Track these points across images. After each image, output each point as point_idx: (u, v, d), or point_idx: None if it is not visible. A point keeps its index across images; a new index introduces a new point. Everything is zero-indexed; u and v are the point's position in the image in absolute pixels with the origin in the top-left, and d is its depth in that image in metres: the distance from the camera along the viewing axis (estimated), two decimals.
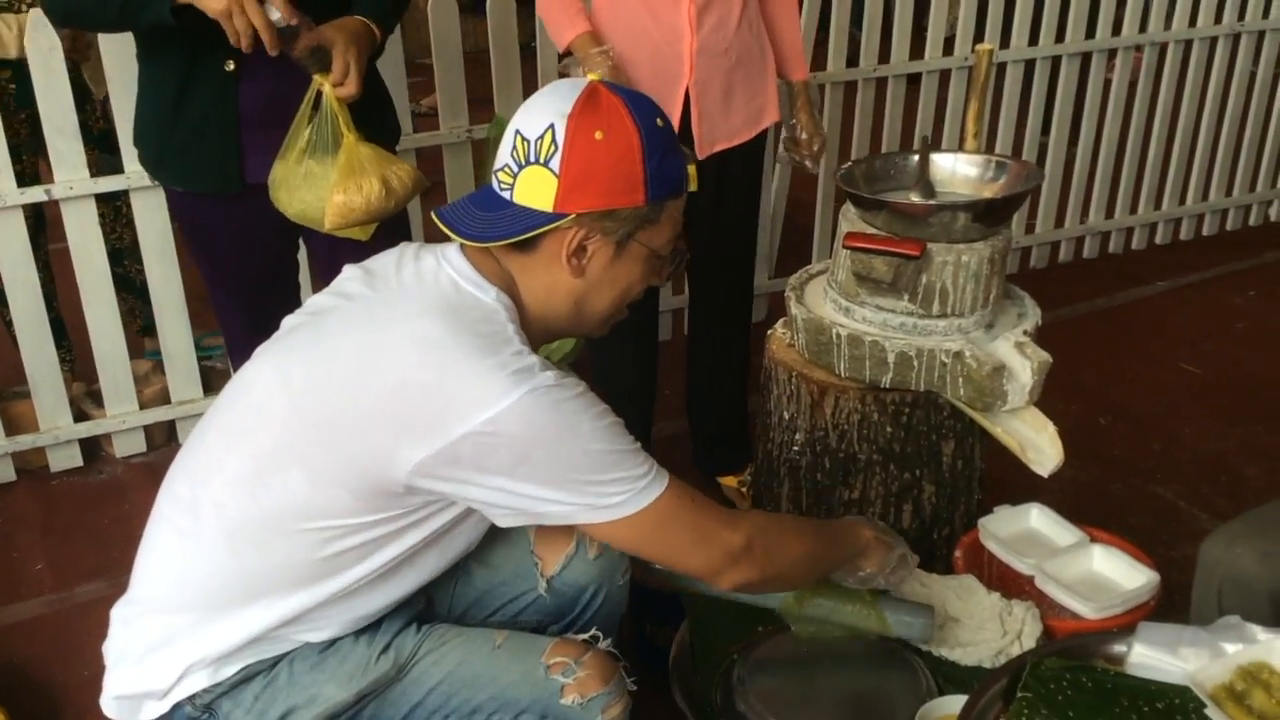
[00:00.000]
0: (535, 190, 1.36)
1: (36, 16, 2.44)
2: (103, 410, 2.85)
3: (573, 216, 1.36)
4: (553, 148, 1.34)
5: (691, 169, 1.44)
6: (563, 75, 2.39)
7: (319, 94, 1.89)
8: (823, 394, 2.01)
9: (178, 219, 2.16)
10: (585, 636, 1.51)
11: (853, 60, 3.47)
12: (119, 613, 1.44)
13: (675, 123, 2.32)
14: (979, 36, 3.60)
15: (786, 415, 2.09)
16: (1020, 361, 1.89)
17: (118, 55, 2.49)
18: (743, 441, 2.74)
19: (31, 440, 2.78)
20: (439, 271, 1.40)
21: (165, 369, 2.88)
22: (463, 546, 1.48)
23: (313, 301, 1.49)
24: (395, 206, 1.94)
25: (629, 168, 1.35)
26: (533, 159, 1.36)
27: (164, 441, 2.96)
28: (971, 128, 2.15)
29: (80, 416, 2.84)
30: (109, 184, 2.63)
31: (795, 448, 2.09)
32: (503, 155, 1.40)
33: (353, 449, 1.31)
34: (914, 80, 3.59)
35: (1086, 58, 3.85)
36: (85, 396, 2.92)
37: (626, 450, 1.34)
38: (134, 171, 2.62)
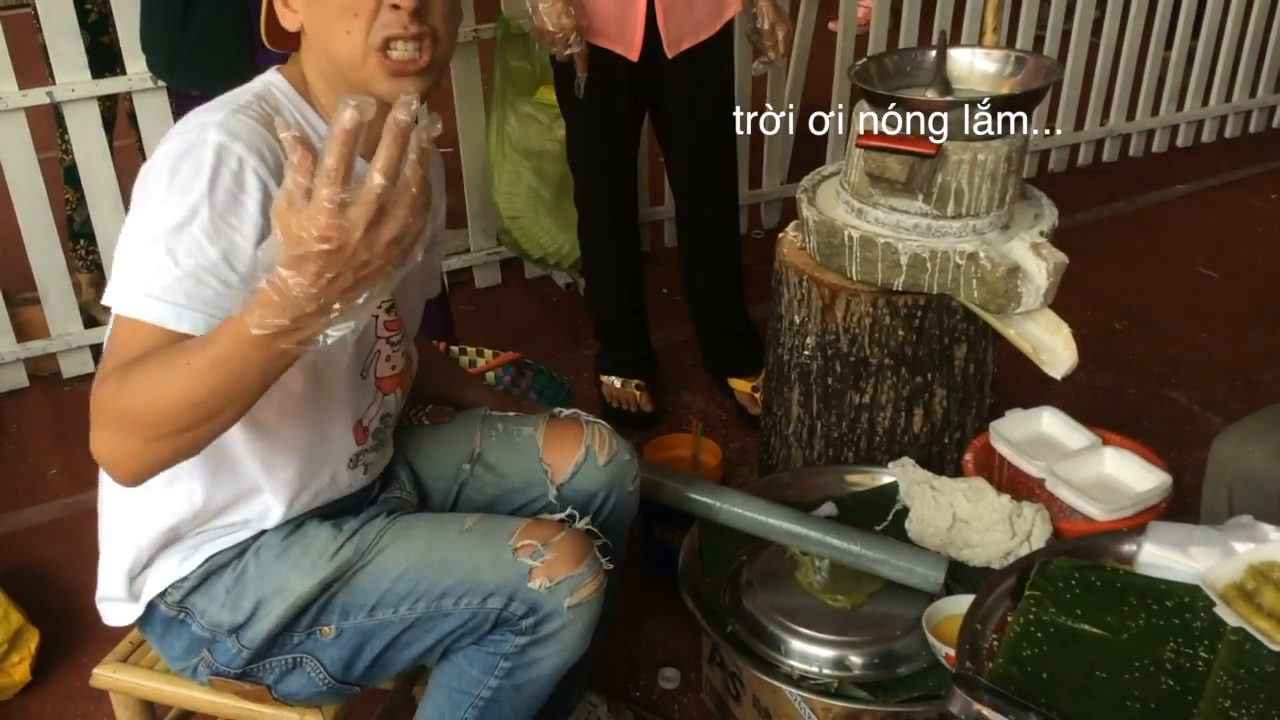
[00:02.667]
0: None
1: None
2: None
3: None
4: None
5: None
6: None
7: None
8: (834, 297, 1.99)
9: None
10: (560, 516, 1.47)
11: None
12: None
13: (641, 22, 2.30)
14: None
15: (797, 319, 2.07)
16: (1035, 263, 1.86)
17: None
18: (752, 342, 2.73)
19: (42, 346, 2.78)
20: None
21: None
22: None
23: None
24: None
25: None
26: None
27: None
28: (990, 22, 2.09)
29: (90, 322, 2.84)
30: (111, 86, 2.59)
31: (806, 352, 2.07)
32: None
33: None
34: None
35: None
36: (95, 302, 2.92)
37: (178, 252, 1.15)
38: (135, 74, 2.58)
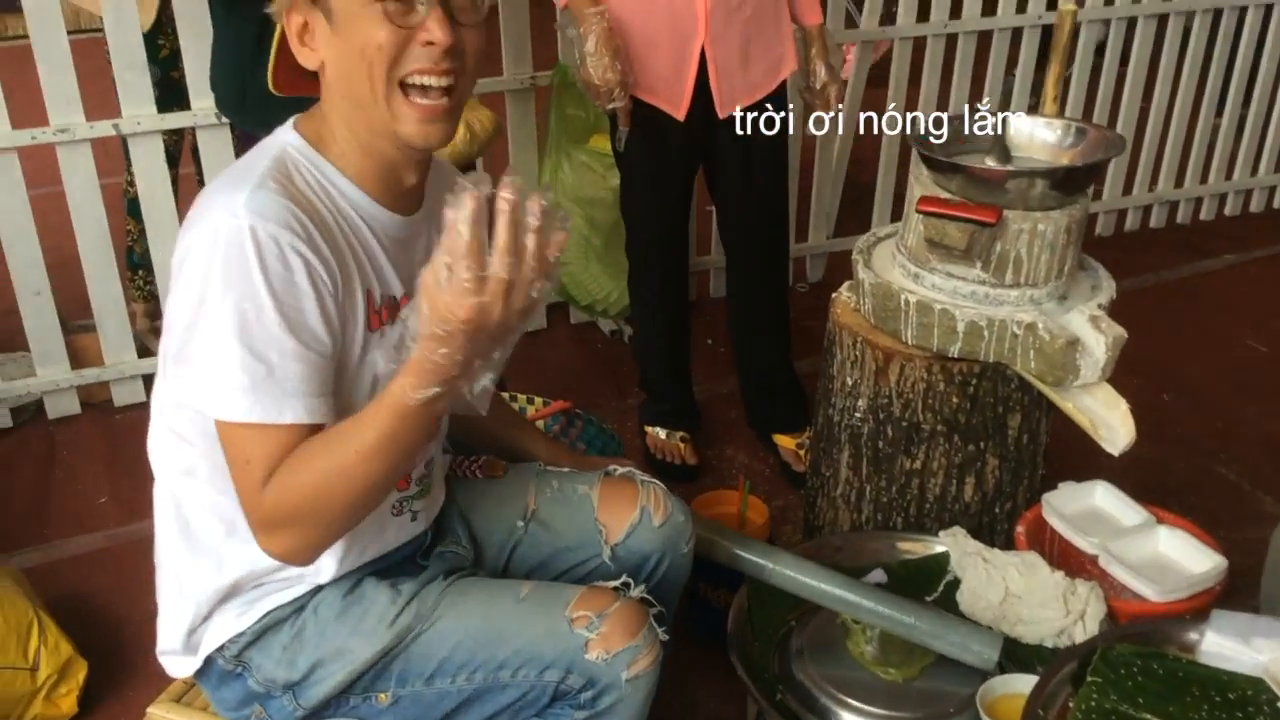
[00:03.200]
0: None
1: None
2: None
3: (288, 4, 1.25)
4: None
5: None
6: (559, 31, 2.35)
7: None
8: (888, 361, 1.99)
9: None
10: (615, 584, 1.45)
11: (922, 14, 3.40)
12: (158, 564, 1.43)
13: (691, 82, 2.32)
14: None
15: (849, 381, 2.07)
16: (1094, 336, 1.86)
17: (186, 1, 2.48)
18: (795, 399, 2.73)
19: (96, 374, 2.82)
20: None
21: None
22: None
23: None
24: (478, 150, 1.96)
25: None
26: None
27: None
28: (1050, 91, 2.09)
29: (144, 351, 2.88)
30: (176, 120, 2.64)
31: (857, 414, 2.07)
32: None
33: None
34: (985, 37, 3.51)
35: (1163, 19, 3.74)
36: (149, 332, 2.95)
37: (258, 347, 1.16)
38: (200, 109, 2.63)
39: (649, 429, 2.75)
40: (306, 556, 1.23)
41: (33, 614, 1.95)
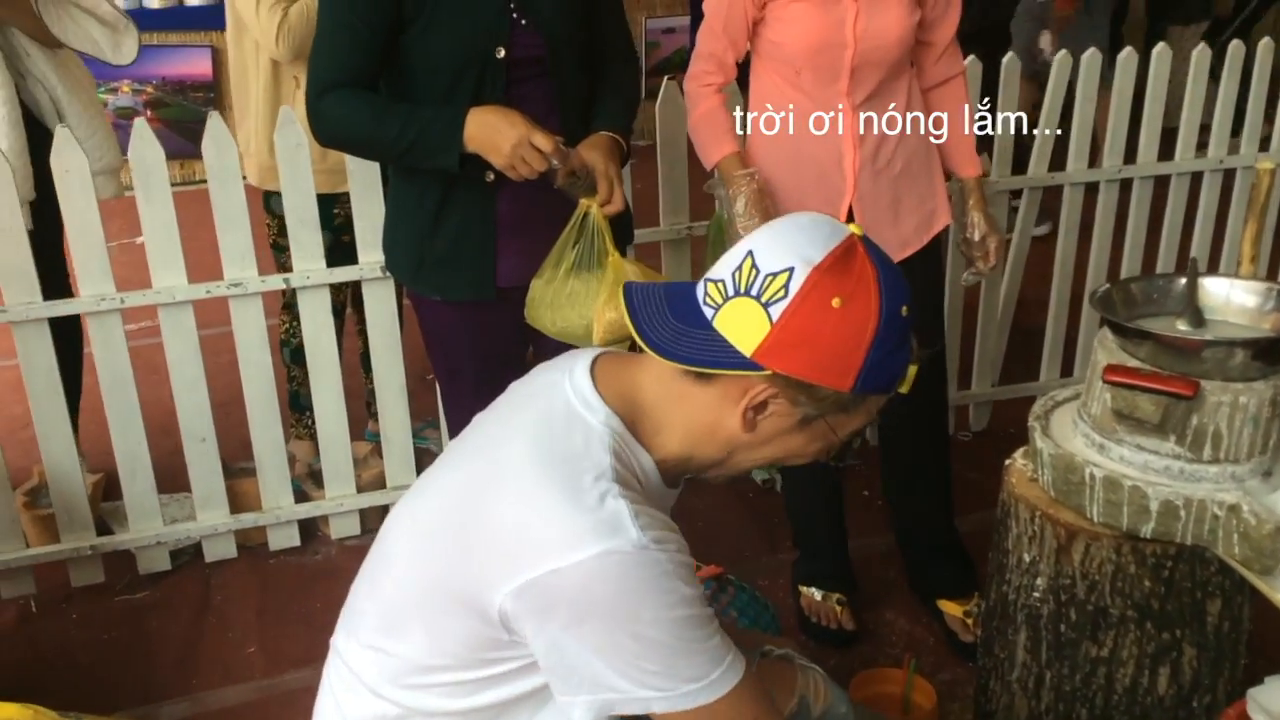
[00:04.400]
0: (742, 326, 1.22)
1: (284, 113, 2.54)
2: (322, 492, 2.91)
3: (769, 373, 1.22)
4: (782, 293, 1.20)
5: (912, 369, 1.29)
6: (708, 193, 2.37)
7: (584, 214, 1.95)
8: (1071, 538, 1.84)
9: (425, 325, 2.22)
10: None
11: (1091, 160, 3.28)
12: None
13: None
14: (1235, 134, 3.35)
15: (1027, 558, 1.92)
16: None
17: (358, 159, 2.56)
18: (960, 560, 2.58)
19: (254, 519, 2.86)
20: (556, 385, 1.31)
21: (383, 453, 2.92)
22: None
23: (479, 415, 1.45)
24: None
25: (851, 350, 1.21)
26: (754, 293, 1.21)
27: (377, 525, 2.96)
28: (1248, 251, 1.96)
29: (301, 496, 2.91)
30: (344, 274, 2.70)
31: (1036, 594, 1.91)
32: (723, 268, 1.26)
33: (457, 593, 1.24)
34: (1161, 183, 3.37)
35: None
36: (307, 477, 2.99)
37: (690, 645, 1.20)
38: (367, 263, 2.69)
39: (803, 589, 2.62)
40: None
41: None
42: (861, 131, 2.21)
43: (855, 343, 1.21)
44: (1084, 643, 1.87)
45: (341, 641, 1.40)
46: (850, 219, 2.25)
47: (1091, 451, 1.86)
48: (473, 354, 2.18)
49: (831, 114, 2.20)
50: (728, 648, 1.23)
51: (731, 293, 1.23)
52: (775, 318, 1.20)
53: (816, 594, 2.60)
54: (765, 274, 1.21)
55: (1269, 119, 3.42)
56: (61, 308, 2.57)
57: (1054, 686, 1.93)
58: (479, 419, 1.43)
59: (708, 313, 1.24)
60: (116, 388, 2.65)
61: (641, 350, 1.28)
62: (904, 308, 1.24)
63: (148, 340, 3.25)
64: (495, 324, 2.13)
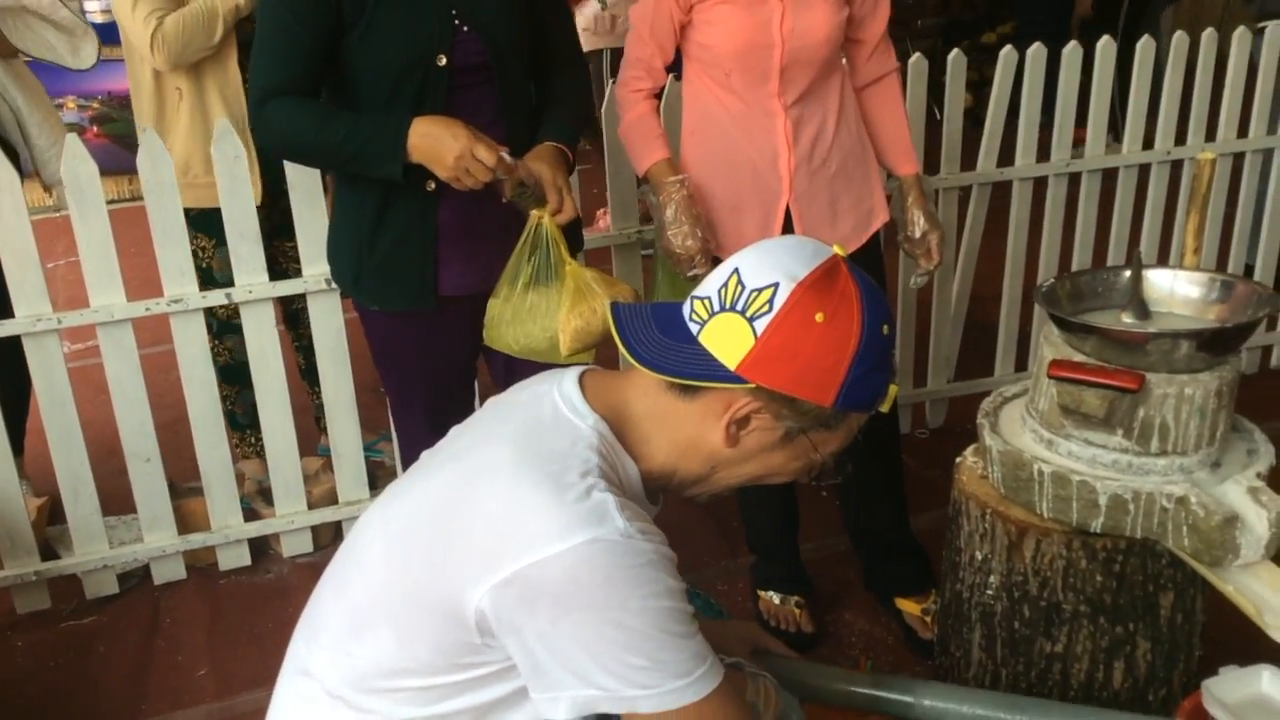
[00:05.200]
0: (726, 341, 1.24)
1: (221, 125, 2.50)
2: (272, 510, 2.86)
3: (753, 386, 1.24)
4: (766, 307, 1.23)
5: (892, 389, 1.32)
6: (641, 201, 2.35)
7: (536, 226, 1.92)
8: (1022, 535, 1.83)
9: (370, 336, 2.18)
10: None
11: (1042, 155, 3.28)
12: None
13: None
14: (1180, 127, 3.37)
15: (979, 555, 1.91)
16: (1255, 511, 1.68)
17: (299, 169, 2.53)
18: (916, 559, 2.57)
19: (202, 539, 2.80)
20: (544, 395, 1.32)
21: (334, 468, 2.87)
22: None
23: (454, 429, 1.43)
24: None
25: (833, 364, 1.24)
26: (739, 308, 1.24)
27: (330, 541, 2.95)
28: (1191, 243, 1.95)
29: (250, 515, 2.86)
30: (287, 288, 2.66)
31: (989, 591, 1.91)
32: (709, 286, 1.29)
33: (431, 595, 1.22)
34: (1109, 176, 3.38)
35: None
36: (257, 495, 2.94)
37: (673, 640, 1.19)
38: (311, 276, 2.65)
39: (762, 593, 2.60)
40: None
41: None
42: (795, 132, 2.19)
43: (838, 358, 1.23)
44: (1038, 639, 1.87)
45: (302, 650, 1.36)
46: (788, 220, 2.23)
47: (1040, 447, 1.85)
48: (420, 365, 2.14)
49: (763, 115, 2.18)
50: (708, 648, 1.23)
51: (717, 308, 1.25)
52: (760, 332, 1.22)
53: (775, 598, 2.58)
54: (750, 289, 1.24)
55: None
56: None
57: (1010, 684, 1.92)
58: (455, 431, 1.42)
59: (693, 328, 1.27)
60: (55, 408, 2.59)
61: (625, 367, 1.30)
62: (884, 326, 1.27)
63: (92, 360, 3.19)
64: (439, 334, 2.10)
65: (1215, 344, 1.73)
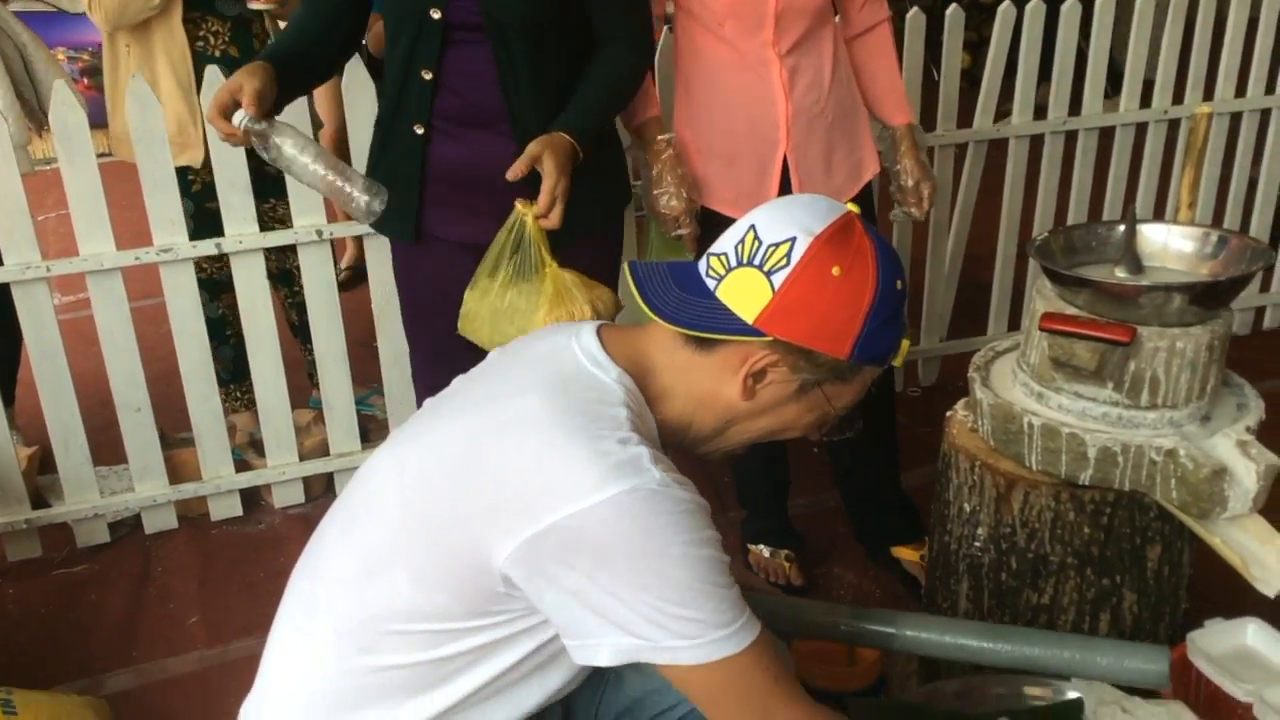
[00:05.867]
0: (744, 294, 1.26)
1: (136, 83, 2.46)
2: (264, 460, 2.86)
3: (770, 339, 1.25)
4: (784, 261, 1.24)
5: (904, 344, 1.33)
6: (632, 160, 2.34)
7: (519, 223, 1.87)
8: (1010, 487, 1.83)
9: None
10: None
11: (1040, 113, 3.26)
12: (249, 711, 1.38)
13: (774, 193, 2.24)
14: (1179, 87, 3.35)
15: (967, 508, 1.92)
16: (1244, 464, 1.68)
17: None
18: (910, 510, 2.60)
19: (194, 489, 2.81)
20: (564, 348, 1.32)
21: (326, 420, 2.87)
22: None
23: (459, 379, 1.43)
24: None
25: (849, 317, 1.25)
26: (756, 263, 1.25)
27: (322, 493, 2.96)
28: (1186, 197, 1.94)
29: (242, 466, 2.86)
30: (278, 238, 2.65)
31: (977, 543, 1.91)
32: (725, 243, 1.30)
33: (453, 542, 1.22)
34: (1106, 134, 3.36)
35: None
36: (248, 446, 2.94)
37: (715, 589, 1.19)
38: (302, 227, 2.63)
39: (752, 548, 2.62)
40: None
41: None
42: (790, 81, 2.17)
43: (853, 311, 1.25)
44: (1025, 590, 1.88)
45: (305, 587, 1.36)
46: (785, 171, 2.22)
47: (1030, 400, 1.85)
48: (416, 296, 2.19)
49: (759, 64, 2.16)
50: (744, 600, 1.23)
51: (734, 264, 1.27)
52: (777, 285, 1.24)
53: (765, 551, 2.60)
54: (768, 244, 1.26)
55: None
56: None
57: None
58: (464, 380, 1.41)
59: (710, 284, 1.28)
60: (46, 358, 2.58)
61: (645, 322, 1.31)
62: (898, 281, 1.28)
63: (82, 313, 3.18)
64: (432, 270, 2.12)
65: (1208, 297, 1.73)
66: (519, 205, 1.85)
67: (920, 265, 3.33)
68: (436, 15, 1.91)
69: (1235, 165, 3.55)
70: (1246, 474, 1.67)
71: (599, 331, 1.34)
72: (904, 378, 3.47)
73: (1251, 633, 1.82)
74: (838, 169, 2.28)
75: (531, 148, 1.84)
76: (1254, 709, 1.65)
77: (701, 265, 1.31)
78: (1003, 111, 3.19)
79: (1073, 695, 1.76)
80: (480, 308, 1.91)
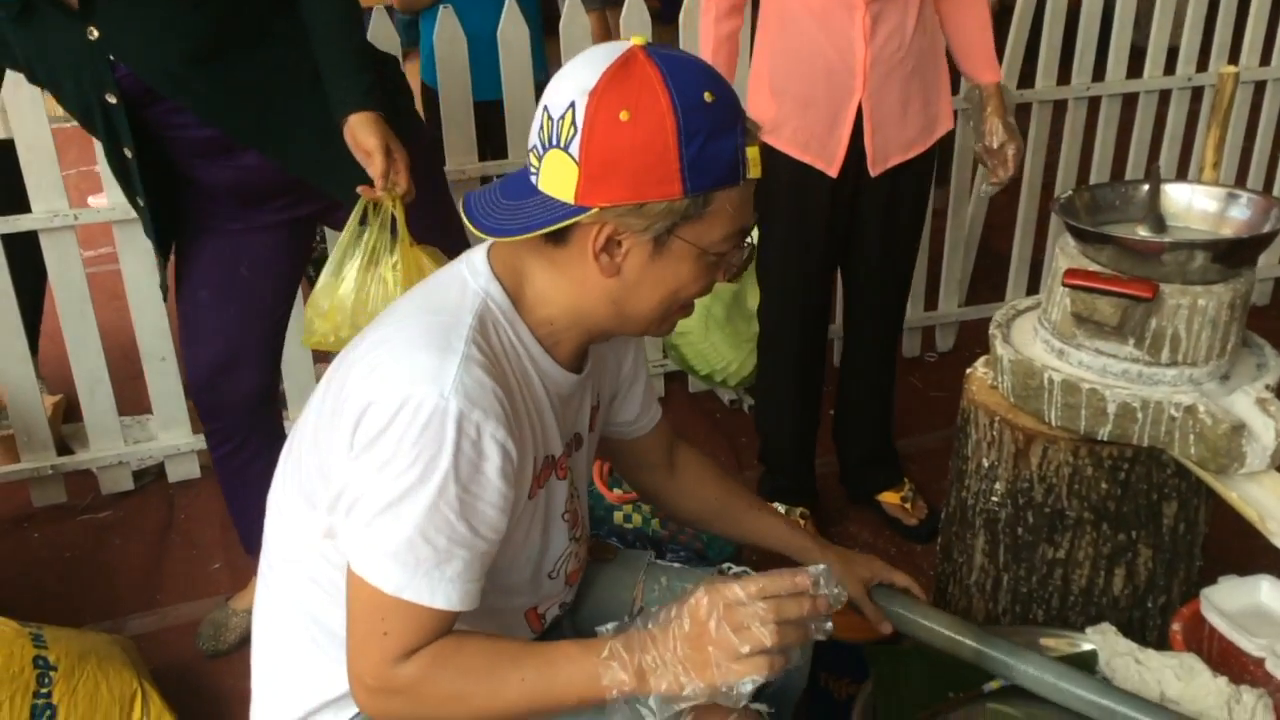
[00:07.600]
0: (558, 178, 1.19)
1: None
2: (287, 411, 2.89)
3: (595, 210, 1.17)
4: (572, 130, 1.16)
5: (752, 152, 1.21)
6: None
7: (363, 211, 1.86)
8: (1029, 443, 1.85)
9: None
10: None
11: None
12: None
13: (847, 138, 2.22)
14: (1203, 54, 3.34)
15: (985, 463, 1.93)
16: (1262, 421, 1.69)
17: None
18: (890, 460, 2.69)
19: None
20: (453, 264, 1.31)
21: None
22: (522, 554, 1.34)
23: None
24: None
25: (659, 154, 1.15)
26: (557, 142, 1.18)
27: None
28: (1210, 157, 1.95)
29: None
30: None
31: (994, 498, 1.93)
32: (532, 134, 1.23)
33: (318, 465, 1.25)
34: (1129, 101, 3.35)
35: None
36: None
37: (429, 532, 1.14)
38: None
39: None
40: None
41: (137, 684, 1.93)
42: (872, 27, 2.15)
43: (660, 145, 1.15)
44: (1041, 545, 1.89)
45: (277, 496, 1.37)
46: (859, 117, 2.21)
47: (1051, 357, 1.86)
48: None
49: (843, 9, 2.14)
50: (454, 578, 1.17)
51: (543, 151, 1.21)
52: (577, 156, 1.17)
53: (780, 509, 2.62)
54: (556, 119, 1.18)
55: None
56: (13, 224, 2.51)
57: (1011, 589, 1.95)
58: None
59: (533, 180, 1.23)
60: (73, 305, 2.61)
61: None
62: (705, 94, 1.17)
63: (106, 267, 3.20)
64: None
65: (1230, 255, 1.73)
66: (362, 192, 1.83)
67: (940, 231, 3.33)
68: (113, 100, 1.81)
69: (1259, 135, 3.53)
70: (1265, 430, 1.68)
71: (490, 249, 1.31)
72: (921, 343, 3.48)
73: (1265, 589, 1.84)
74: (913, 121, 2.26)
75: (354, 141, 1.83)
76: (1267, 663, 1.67)
77: (527, 167, 1.26)
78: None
79: (1087, 647, 1.79)
80: (331, 307, 1.86)
